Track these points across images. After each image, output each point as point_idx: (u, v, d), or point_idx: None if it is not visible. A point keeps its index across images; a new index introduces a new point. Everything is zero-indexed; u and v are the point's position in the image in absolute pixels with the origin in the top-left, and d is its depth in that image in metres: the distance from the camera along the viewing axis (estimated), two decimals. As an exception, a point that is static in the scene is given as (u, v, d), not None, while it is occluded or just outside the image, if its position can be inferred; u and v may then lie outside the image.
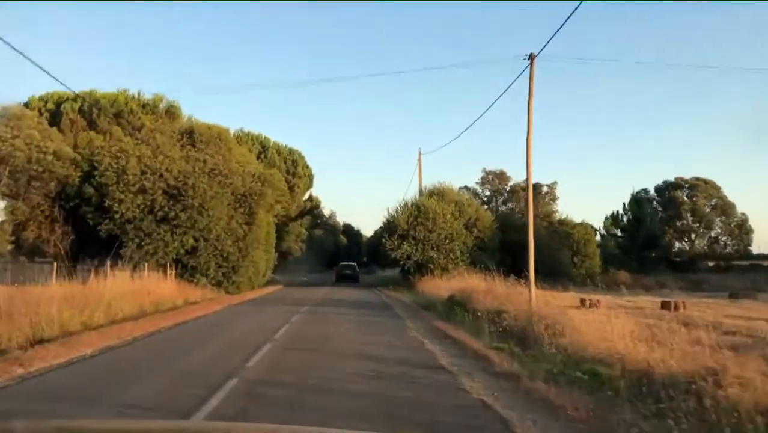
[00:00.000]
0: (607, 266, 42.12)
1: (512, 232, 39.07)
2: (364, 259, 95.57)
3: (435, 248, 34.07)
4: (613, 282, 38.51)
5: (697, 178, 64.78)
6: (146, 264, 26.24)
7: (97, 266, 25.43)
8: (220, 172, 29.27)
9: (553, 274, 35.50)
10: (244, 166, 30.66)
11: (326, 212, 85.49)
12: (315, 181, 49.00)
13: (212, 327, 13.86)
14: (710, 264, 60.59)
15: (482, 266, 24.13)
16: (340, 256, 78.63)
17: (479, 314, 13.43)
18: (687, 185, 64.85)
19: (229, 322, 15.33)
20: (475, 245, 35.40)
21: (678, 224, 62.91)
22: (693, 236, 64.16)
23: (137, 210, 27.19)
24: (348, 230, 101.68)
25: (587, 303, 21.40)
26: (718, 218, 63.70)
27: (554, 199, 45.78)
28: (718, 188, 63.68)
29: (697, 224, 63.85)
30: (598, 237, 46.74)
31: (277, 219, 38.38)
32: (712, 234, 65.18)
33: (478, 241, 35.68)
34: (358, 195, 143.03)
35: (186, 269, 28.15)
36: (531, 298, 16.64)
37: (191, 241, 27.81)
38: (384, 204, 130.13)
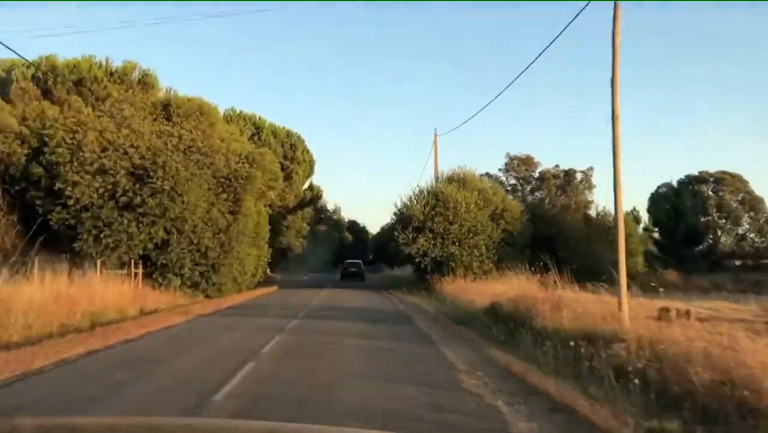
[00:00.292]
0: (652, 263, 36.75)
1: (543, 224, 33.85)
2: (370, 257, 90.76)
3: (456, 243, 28.78)
4: (661, 283, 33.26)
5: (723, 172, 60.45)
6: (100, 261, 21.18)
7: (54, 264, 20.48)
8: (199, 150, 24.12)
9: (591, 273, 29.72)
10: (229, 145, 25.46)
11: (330, 207, 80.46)
12: (317, 170, 43.86)
13: (130, 365, 8.38)
14: (737, 263, 55.86)
15: (542, 264, 18.90)
16: (345, 253, 73.71)
17: (570, 343, 8.18)
18: (712, 179, 60.56)
19: (172, 350, 10.10)
20: (502, 240, 30.10)
21: (703, 220, 58.35)
22: (719, 232, 59.47)
23: (95, 195, 22.15)
24: (353, 226, 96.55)
25: (673, 313, 16.09)
26: (747, 214, 59.03)
27: (590, 187, 40.45)
28: (745, 182, 59.33)
29: (724, 220, 59.23)
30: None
31: (271, 210, 33.21)
32: (740, 231, 60.58)
33: (506, 234, 30.37)
34: (364, 191, 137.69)
35: (155, 267, 23.05)
36: (624, 313, 11.39)
37: (161, 233, 22.71)
38: (392, 200, 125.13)
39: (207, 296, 23.88)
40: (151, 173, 22.59)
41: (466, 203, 29.13)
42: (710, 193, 60.08)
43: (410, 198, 30.33)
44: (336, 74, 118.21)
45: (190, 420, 4.37)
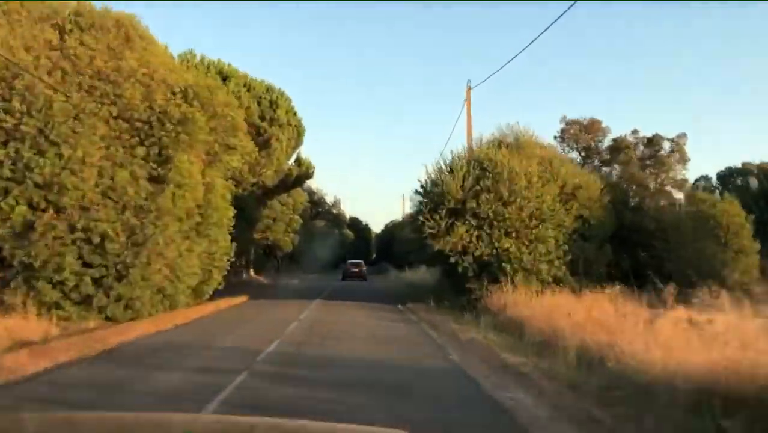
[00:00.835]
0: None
1: (625, 211, 24.07)
2: (374, 256, 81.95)
3: (513, 235, 18.88)
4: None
5: (769, 163, 51.78)
6: None
7: None
8: (98, 73, 14.35)
9: (702, 280, 19.16)
10: (154, 71, 15.64)
11: (329, 199, 70.92)
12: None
13: None
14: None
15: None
16: (346, 253, 64.42)
17: None
18: (756, 171, 52.30)
19: None
20: (575, 231, 20.23)
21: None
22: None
23: None
24: (355, 223, 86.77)
25: None
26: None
27: (684, 161, 30.23)
28: (794, 175, 50.40)
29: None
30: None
31: (240, 188, 23.46)
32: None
33: (580, 223, 20.50)
34: (367, 186, 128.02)
35: (14, 270, 13.32)
36: None
37: (21, 209, 13.03)
38: (397, 196, 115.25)
39: (110, 319, 14.12)
40: (5, 107, 12.93)
41: (526, 175, 19.28)
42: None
43: (440, 168, 20.41)
44: (334, 40, 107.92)
45: (194, 416, 4.23)
